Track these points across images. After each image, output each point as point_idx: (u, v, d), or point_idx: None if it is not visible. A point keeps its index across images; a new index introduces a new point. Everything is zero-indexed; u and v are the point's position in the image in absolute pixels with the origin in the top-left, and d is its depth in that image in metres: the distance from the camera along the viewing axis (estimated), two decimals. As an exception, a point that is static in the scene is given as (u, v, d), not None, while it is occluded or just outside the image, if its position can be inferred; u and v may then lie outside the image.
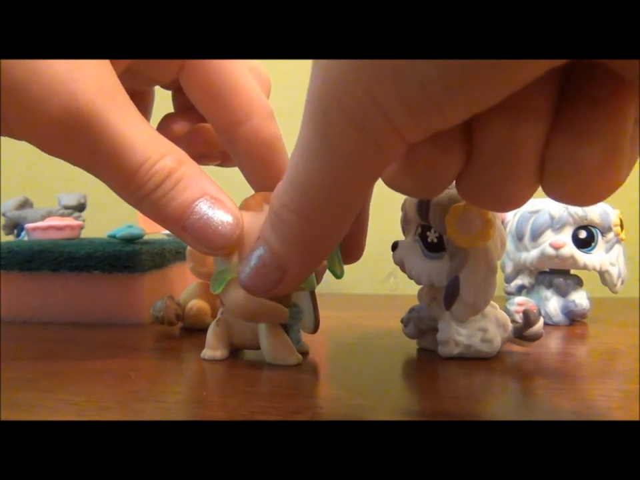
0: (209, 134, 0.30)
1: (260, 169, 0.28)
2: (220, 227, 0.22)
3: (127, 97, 0.22)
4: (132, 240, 0.44)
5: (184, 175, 0.22)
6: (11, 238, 0.61)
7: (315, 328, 0.30)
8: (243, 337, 0.30)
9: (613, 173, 0.15)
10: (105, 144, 0.21)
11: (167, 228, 0.23)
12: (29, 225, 0.49)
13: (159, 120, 0.31)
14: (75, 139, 0.21)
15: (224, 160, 0.31)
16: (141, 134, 0.22)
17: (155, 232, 0.66)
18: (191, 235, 0.23)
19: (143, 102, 0.30)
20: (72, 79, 0.20)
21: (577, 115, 0.14)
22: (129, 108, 0.22)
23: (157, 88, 0.31)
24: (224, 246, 0.23)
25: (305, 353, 0.30)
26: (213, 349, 0.29)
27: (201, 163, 0.25)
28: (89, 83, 0.21)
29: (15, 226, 0.61)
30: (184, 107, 0.30)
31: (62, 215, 0.58)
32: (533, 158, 0.15)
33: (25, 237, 0.57)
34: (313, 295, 0.30)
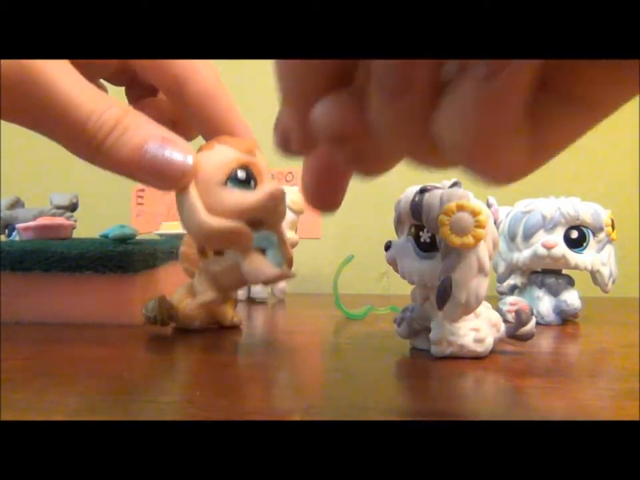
0: (160, 104, 0.32)
1: (210, 120, 0.30)
2: (173, 161, 0.24)
3: (69, 63, 0.23)
4: (124, 240, 0.43)
5: (132, 121, 0.24)
6: (2, 238, 0.61)
7: (289, 263, 0.30)
8: (227, 277, 0.30)
9: (500, 153, 0.14)
10: (51, 100, 0.22)
11: (124, 172, 0.24)
12: (20, 225, 0.49)
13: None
14: (22, 98, 0.22)
15: (174, 127, 0.33)
16: (85, 91, 0.23)
17: (148, 232, 0.66)
18: (147, 173, 0.24)
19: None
20: None
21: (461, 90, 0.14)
22: (72, 70, 0.23)
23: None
24: (180, 178, 0.25)
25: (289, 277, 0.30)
26: (202, 293, 0.30)
27: None
28: None
29: (7, 226, 0.60)
30: (137, 99, 0.32)
31: (54, 215, 0.58)
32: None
33: (16, 236, 0.57)
34: (279, 233, 0.31)
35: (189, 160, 0.25)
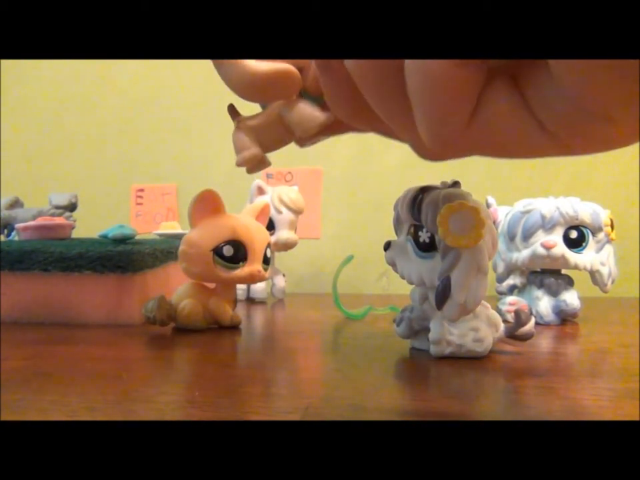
0: None
1: None
2: None
3: None
4: (123, 240, 0.44)
5: None
6: (1, 238, 0.61)
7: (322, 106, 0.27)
8: (267, 133, 0.28)
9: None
10: None
11: None
12: (19, 225, 0.48)
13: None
14: None
15: None
16: None
17: (147, 232, 0.66)
18: None
19: None
20: None
21: None
22: None
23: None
24: None
25: None
26: (247, 148, 0.28)
27: None
28: None
29: (6, 226, 0.60)
30: None
31: (53, 215, 0.58)
32: None
33: (15, 236, 0.57)
34: None
35: None
